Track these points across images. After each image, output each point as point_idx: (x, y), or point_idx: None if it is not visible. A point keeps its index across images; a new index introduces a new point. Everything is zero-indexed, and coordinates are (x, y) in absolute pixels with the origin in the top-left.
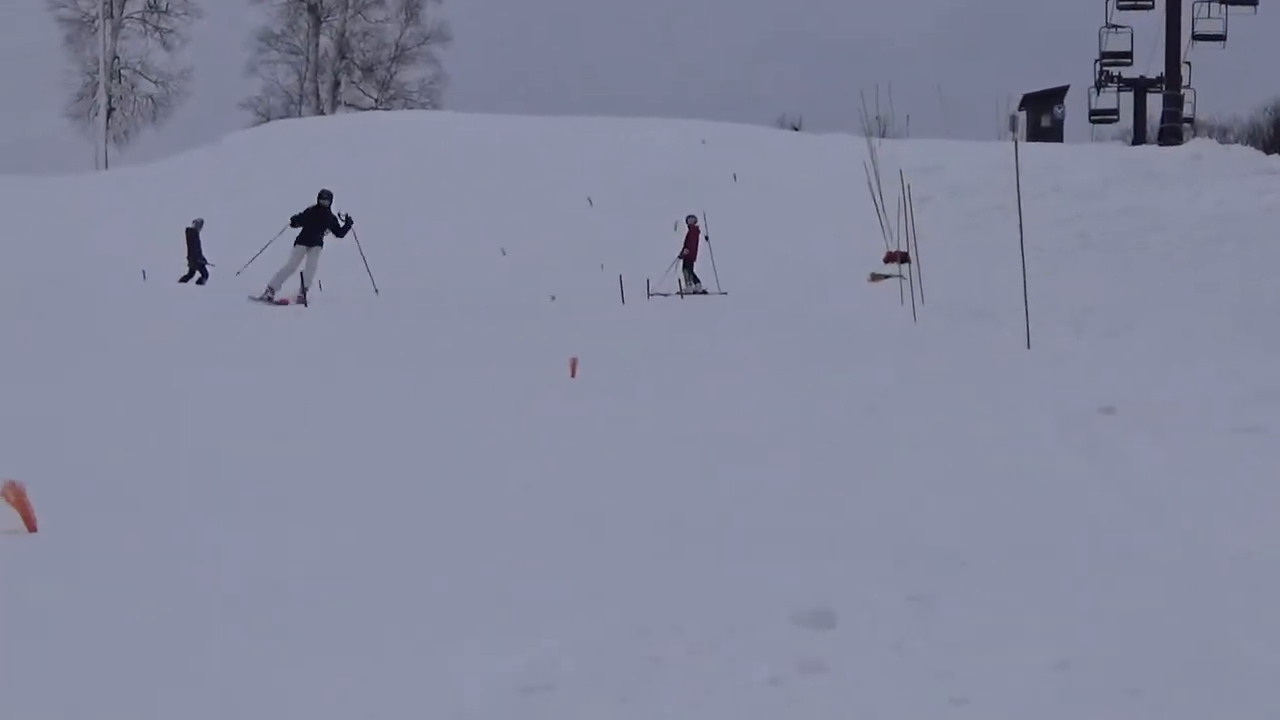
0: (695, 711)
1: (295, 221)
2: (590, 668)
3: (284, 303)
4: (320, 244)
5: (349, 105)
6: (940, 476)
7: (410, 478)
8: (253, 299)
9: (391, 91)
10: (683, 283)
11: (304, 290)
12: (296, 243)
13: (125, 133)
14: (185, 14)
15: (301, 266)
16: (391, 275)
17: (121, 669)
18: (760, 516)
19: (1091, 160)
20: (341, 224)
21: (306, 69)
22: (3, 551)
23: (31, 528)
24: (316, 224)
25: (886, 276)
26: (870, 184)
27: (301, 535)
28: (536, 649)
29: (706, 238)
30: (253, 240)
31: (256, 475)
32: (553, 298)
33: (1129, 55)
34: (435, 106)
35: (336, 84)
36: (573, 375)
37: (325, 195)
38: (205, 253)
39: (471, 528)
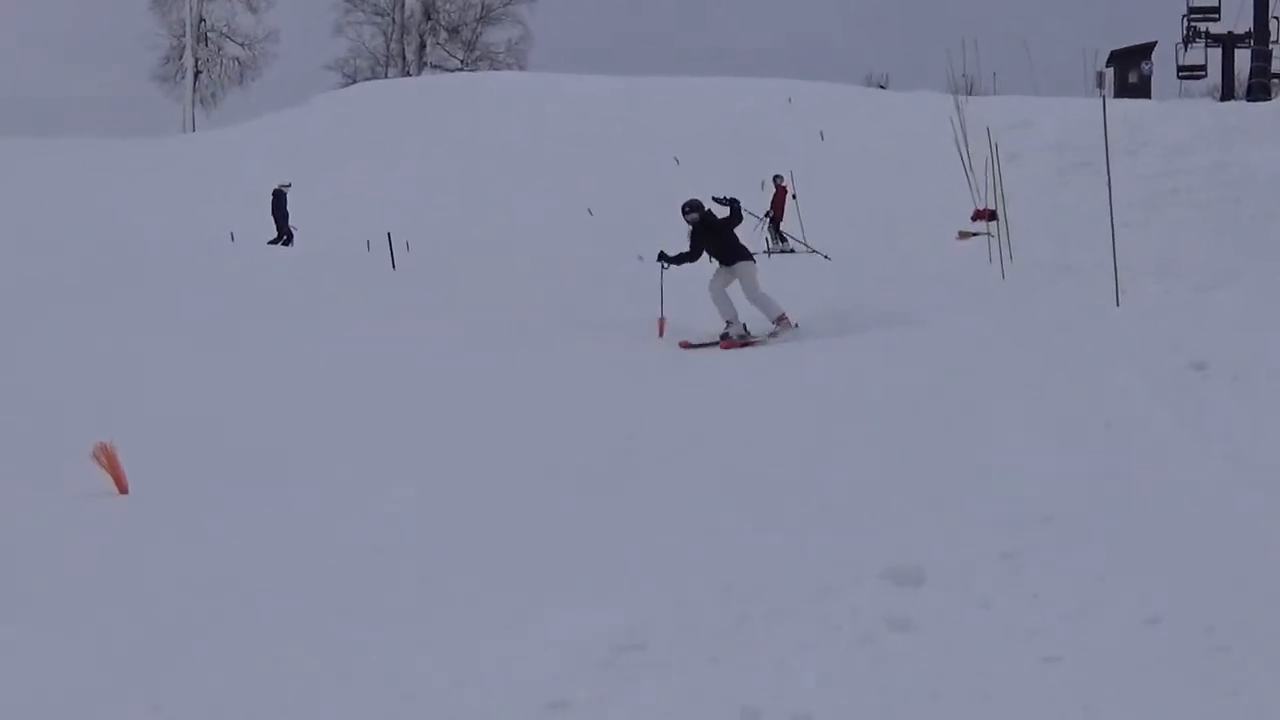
0: (784, 671)
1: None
2: (681, 628)
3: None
4: (737, 258)
5: (435, 66)
6: (1029, 434)
7: (502, 439)
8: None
9: (477, 52)
10: (770, 242)
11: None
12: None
13: (212, 95)
14: None
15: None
16: (476, 236)
17: (222, 630)
18: (849, 476)
19: (1180, 116)
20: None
21: (392, 30)
22: (95, 513)
23: (123, 489)
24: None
25: (974, 234)
26: (957, 141)
27: (400, 499)
28: (629, 609)
29: (794, 196)
30: (340, 204)
31: (353, 439)
32: (640, 258)
33: (1216, 10)
34: (521, 67)
35: (422, 45)
36: (660, 335)
37: (689, 208)
38: (291, 216)
39: (563, 490)
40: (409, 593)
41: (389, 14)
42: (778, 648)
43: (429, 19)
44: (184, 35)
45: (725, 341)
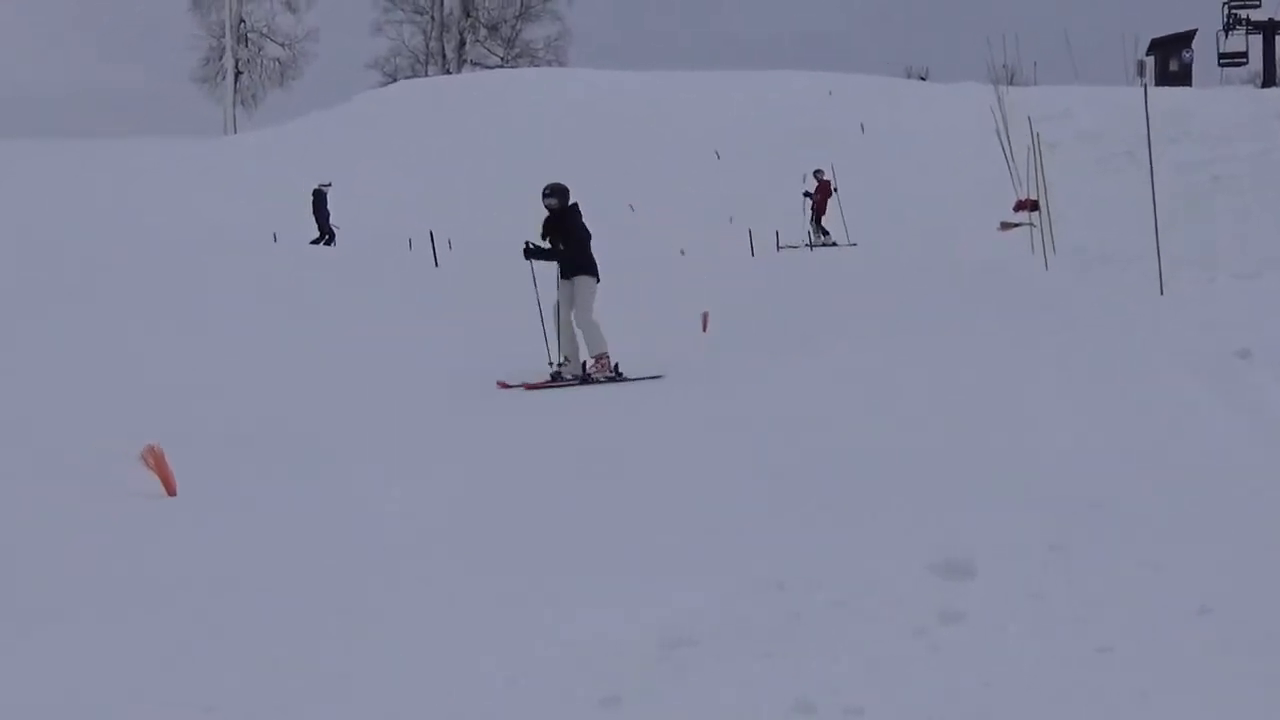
0: (838, 665)
1: (537, 252)
2: (732, 623)
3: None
4: (577, 271)
5: (475, 64)
6: (1076, 424)
7: (540, 433)
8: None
9: (517, 49)
10: (812, 235)
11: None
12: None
13: (253, 96)
14: None
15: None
16: (519, 233)
17: (282, 626)
18: (895, 467)
19: (1221, 104)
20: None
21: (432, 28)
22: (144, 514)
23: (171, 491)
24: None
25: (1017, 225)
26: (998, 132)
27: (450, 490)
28: (680, 604)
29: (835, 190)
30: (381, 202)
31: (396, 435)
32: (682, 252)
33: None
34: (560, 63)
35: (462, 43)
36: (704, 329)
37: (550, 191)
38: (332, 215)
39: (608, 484)
40: (458, 590)
41: (429, 12)
42: (829, 641)
43: (468, 16)
44: (224, 36)
45: (541, 382)
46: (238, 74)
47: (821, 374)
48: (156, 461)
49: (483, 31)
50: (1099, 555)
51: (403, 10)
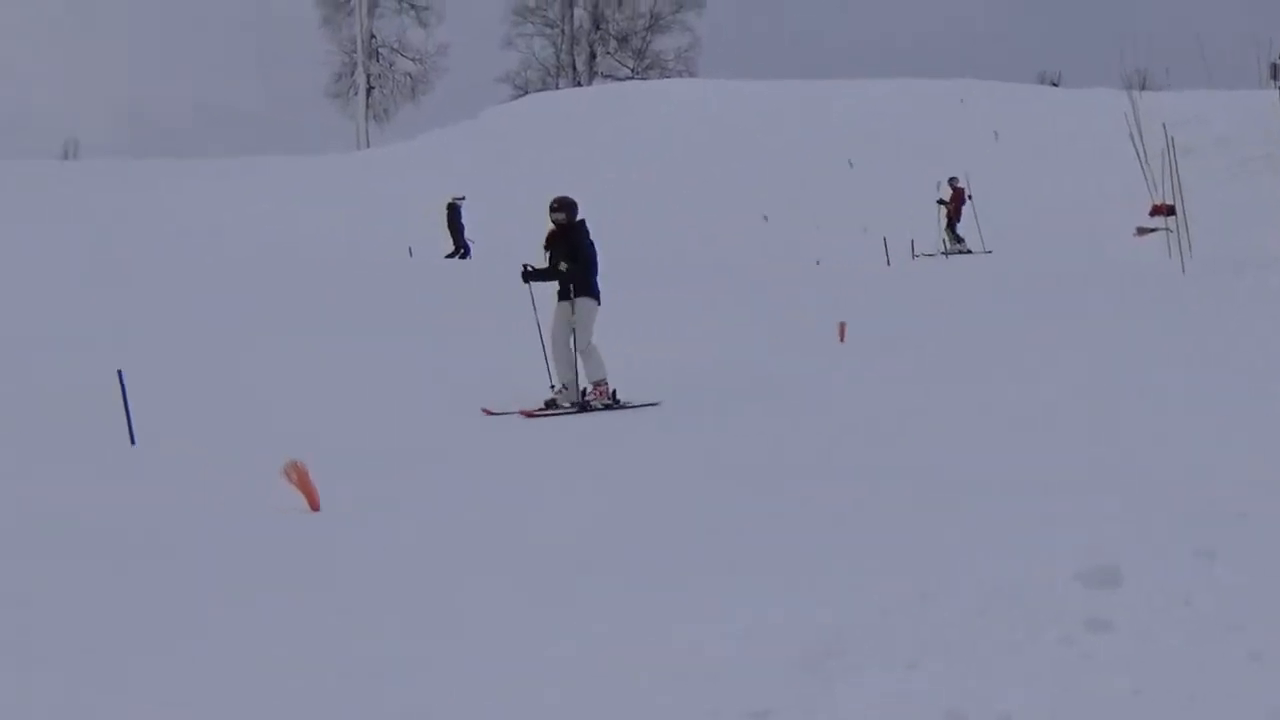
0: (986, 673)
1: (536, 274)
2: (878, 633)
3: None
4: (579, 293)
5: (605, 76)
6: (1217, 430)
7: (682, 443)
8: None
9: (647, 60)
10: (947, 243)
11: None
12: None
13: (385, 111)
14: None
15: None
16: (652, 245)
17: (430, 635)
18: (1036, 473)
19: None
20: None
21: (562, 41)
22: (287, 530)
23: (314, 506)
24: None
25: (1152, 230)
26: (1133, 137)
27: (592, 505)
28: (825, 616)
29: (970, 197)
30: (514, 215)
31: (535, 445)
32: (818, 262)
33: None
34: (691, 74)
35: (592, 55)
36: (841, 340)
37: (558, 205)
38: (467, 229)
39: (750, 495)
40: (610, 604)
41: (558, 25)
42: (977, 650)
43: (598, 29)
44: (355, 52)
45: (535, 409)
46: (369, 89)
47: (959, 386)
48: (299, 477)
49: (613, 43)
50: (1246, 562)
51: (533, 24)
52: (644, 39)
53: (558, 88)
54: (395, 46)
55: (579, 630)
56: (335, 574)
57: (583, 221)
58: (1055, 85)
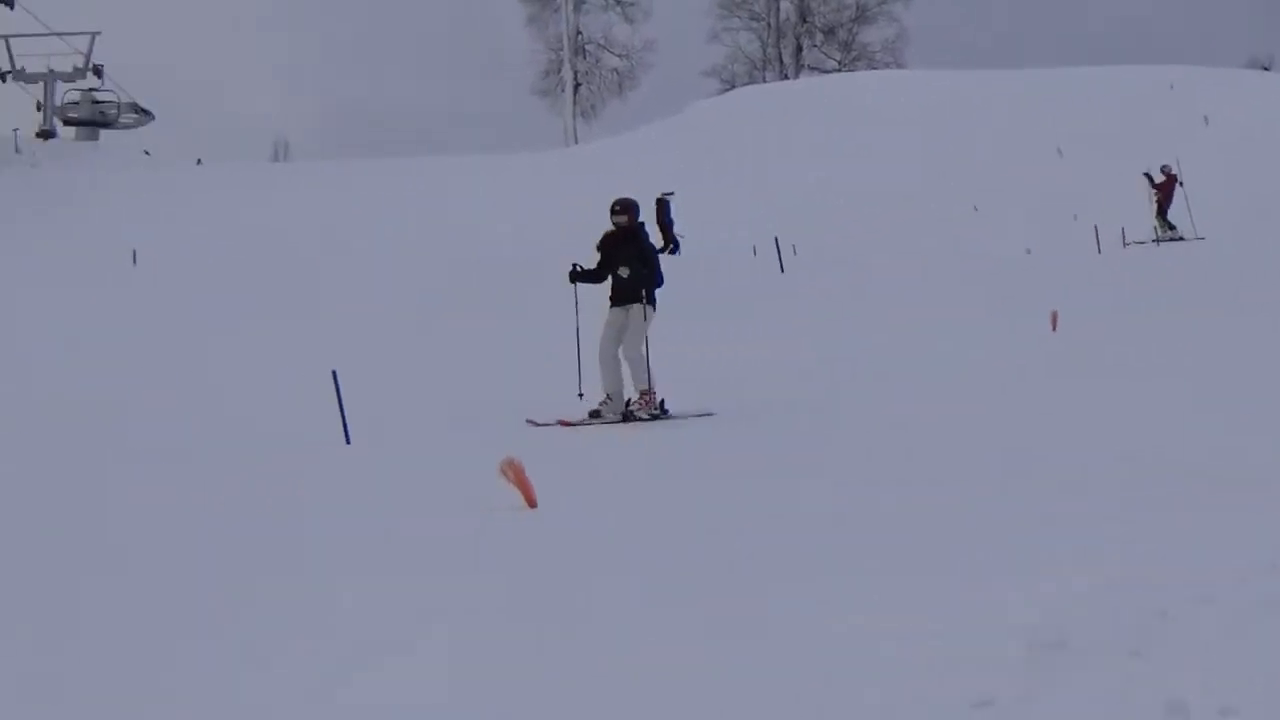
0: (1209, 663)
1: (585, 276)
2: (1098, 622)
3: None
4: (636, 299)
5: (811, 68)
6: None
7: (909, 431)
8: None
9: (854, 52)
10: (1159, 230)
11: (639, 395)
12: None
13: (592, 107)
14: None
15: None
16: (860, 237)
17: (667, 635)
18: (1256, 465)
19: None
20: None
21: (768, 34)
22: (504, 527)
23: (531, 504)
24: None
25: None
26: None
27: (813, 497)
28: (1044, 605)
29: (1181, 184)
30: (723, 210)
31: (765, 441)
32: (1028, 251)
33: None
34: (899, 65)
35: (798, 48)
36: (1054, 329)
37: (620, 208)
38: (676, 224)
39: (957, 487)
40: (828, 595)
41: (764, 18)
42: (1200, 640)
43: (804, 21)
44: (562, 49)
45: (578, 419)
46: (576, 86)
47: (1169, 376)
48: (516, 475)
49: (819, 36)
50: None
51: (739, 17)
52: (850, 31)
53: (764, 81)
54: (601, 43)
55: (785, 628)
56: (550, 568)
57: (642, 224)
58: (1266, 69)
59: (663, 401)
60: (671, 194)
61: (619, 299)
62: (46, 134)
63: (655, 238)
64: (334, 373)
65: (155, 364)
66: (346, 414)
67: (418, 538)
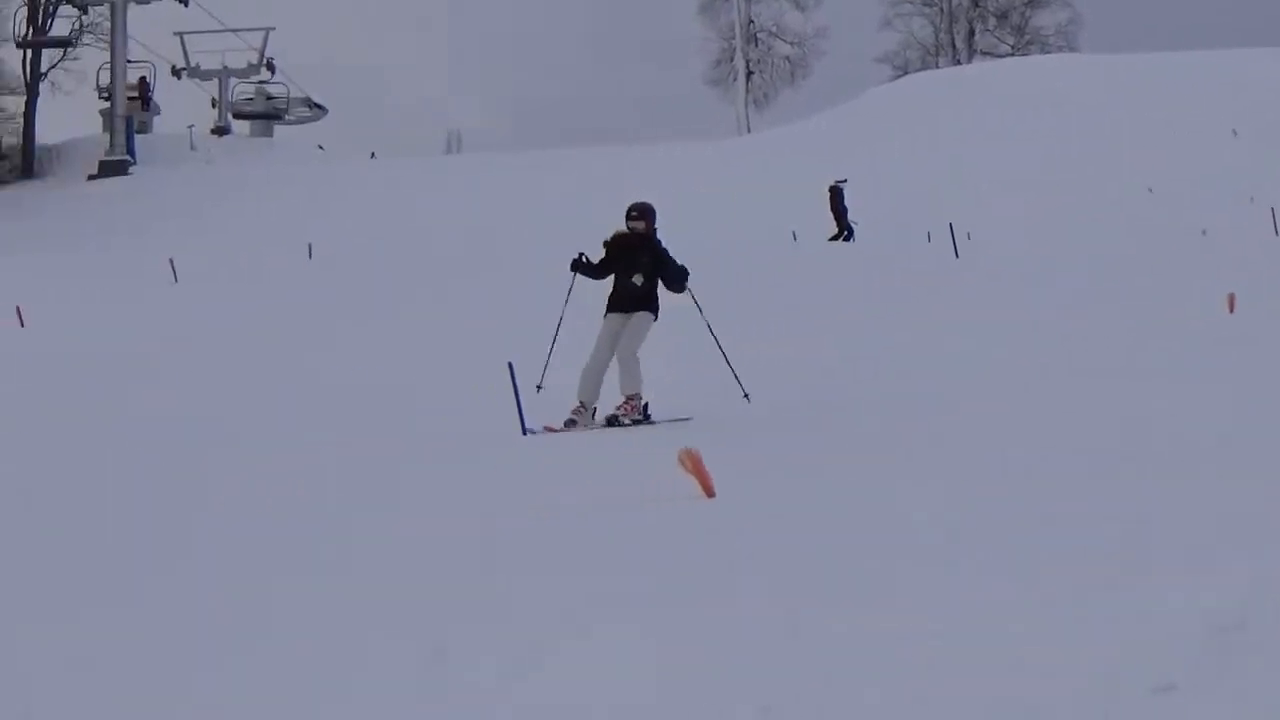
0: None
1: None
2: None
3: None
4: (642, 306)
5: (984, 53)
6: None
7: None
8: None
9: (1027, 36)
10: None
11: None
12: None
13: (764, 95)
14: None
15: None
16: (1038, 221)
17: (847, 627)
18: None
19: None
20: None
21: (941, 19)
22: (681, 516)
23: (709, 493)
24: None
25: None
26: None
27: (973, 490)
28: (1221, 588)
29: None
30: (897, 196)
31: (920, 426)
32: (1203, 232)
33: None
34: (1072, 49)
35: (971, 32)
36: (1230, 310)
37: (638, 213)
38: (850, 211)
39: (1131, 474)
40: (1000, 590)
41: (937, 3)
42: None
43: (977, 6)
44: (734, 38)
45: (558, 426)
46: (749, 74)
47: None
48: (694, 464)
49: (992, 20)
50: None
51: (911, 3)
52: (1023, 15)
53: (937, 67)
54: (773, 30)
55: (953, 620)
56: (728, 556)
57: (655, 232)
58: None
59: (646, 405)
60: (845, 181)
61: (623, 306)
62: (221, 130)
63: (829, 226)
64: (510, 364)
65: (333, 356)
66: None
67: (600, 528)
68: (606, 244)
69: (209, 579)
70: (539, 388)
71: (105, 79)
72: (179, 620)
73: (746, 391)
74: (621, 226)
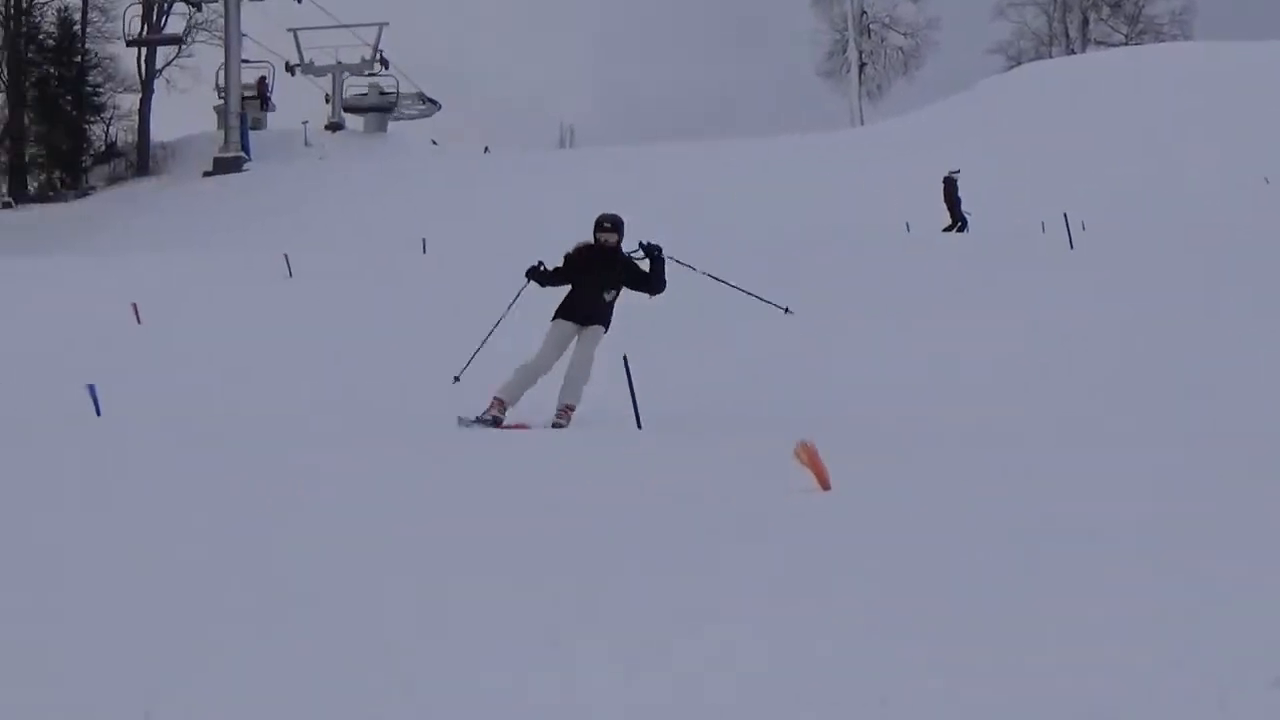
0: None
1: (545, 277)
2: None
3: (520, 427)
4: (600, 320)
5: (1098, 42)
6: None
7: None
8: (463, 422)
9: (1141, 25)
10: None
11: (561, 407)
12: (556, 316)
13: (878, 87)
14: None
15: (557, 362)
16: (1151, 212)
17: (979, 623)
18: None
19: None
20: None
21: (1055, 9)
22: (798, 509)
23: (825, 486)
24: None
25: None
26: None
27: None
28: None
29: None
30: (1011, 187)
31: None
32: None
33: None
34: (1185, 38)
35: (1085, 21)
36: None
37: (611, 225)
38: (964, 203)
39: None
40: (1139, 585)
41: None
42: None
43: None
44: (846, 29)
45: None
46: (862, 66)
47: None
48: (810, 457)
49: (1105, 9)
50: None
51: None
52: (1137, 4)
53: (1050, 57)
54: (886, 22)
55: (1084, 612)
56: (842, 547)
57: (621, 247)
58: None
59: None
60: (958, 172)
61: (578, 317)
62: (335, 126)
63: (944, 217)
64: (624, 358)
65: (450, 350)
66: (638, 399)
67: (715, 520)
68: (569, 256)
69: (384, 582)
70: (457, 379)
71: (224, 79)
72: (335, 624)
73: (787, 307)
74: (591, 240)
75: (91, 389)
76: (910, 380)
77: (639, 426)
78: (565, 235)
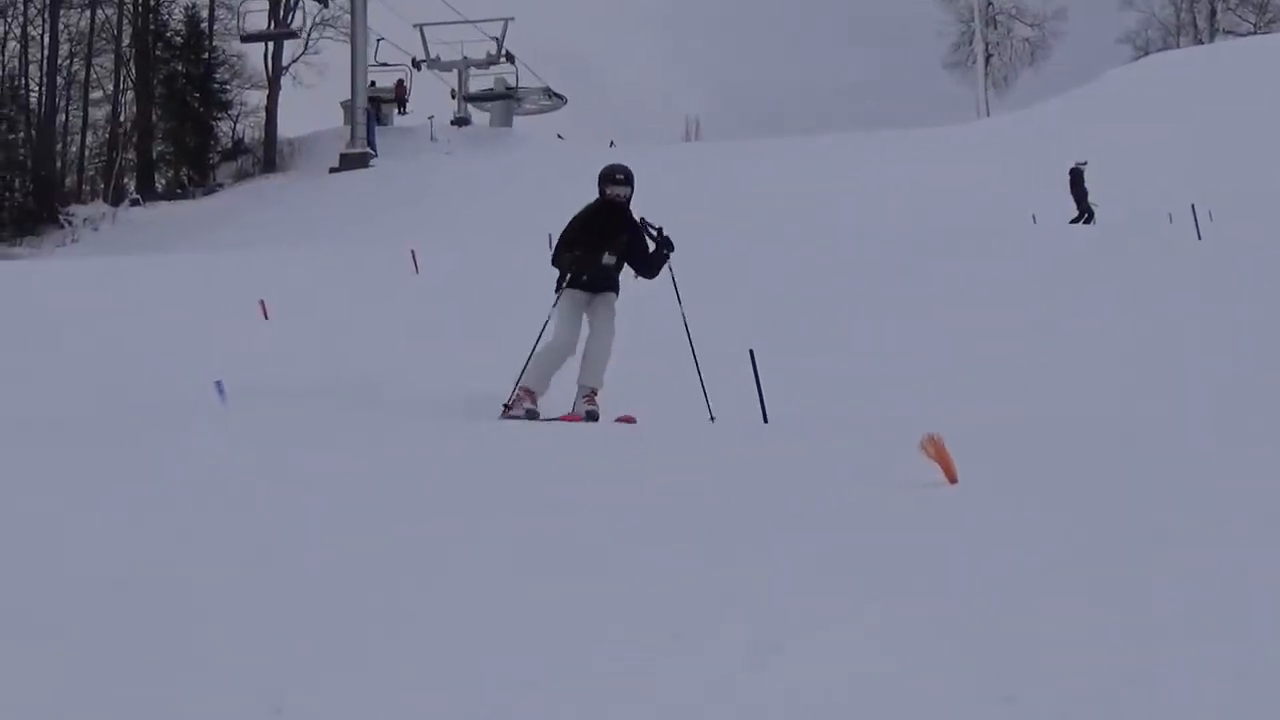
0: None
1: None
2: None
3: (573, 419)
4: (611, 286)
5: (1227, 32)
6: None
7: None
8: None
9: (1269, 15)
10: None
11: (586, 393)
12: (563, 286)
13: (1004, 78)
14: None
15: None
16: (1276, 197)
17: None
18: None
19: None
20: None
21: None
22: (922, 503)
23: (952, 480)
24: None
25: None
26: None
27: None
28: None
29: None
30: (1138, 178)
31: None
32: None
33: None
34: None
35: (1213, 11)
36: None
37: (624, 177)
38: (1091, 194)
39: None
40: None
41: None
42: None
43: None
44: (972, 21)
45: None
46: (988, 57)
47: None
48: (936, 450)
49: None
50: None
51: None
52: None
53: (1178, 47)
54: (1013, 13)
55: (1206, 603)
56: (967, 542)
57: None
58: None
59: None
60: (1085, 164)
61: (590, 284)
62: (461, 121)
63: (1070, 208)
64: (751, 351)
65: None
66: (765, 393)
67: (839, 514)
68: (588, 218)
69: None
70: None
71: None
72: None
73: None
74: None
75: (219, 384)
76: (1039, 378)
77: (765, 420)
78: (690, 227)
